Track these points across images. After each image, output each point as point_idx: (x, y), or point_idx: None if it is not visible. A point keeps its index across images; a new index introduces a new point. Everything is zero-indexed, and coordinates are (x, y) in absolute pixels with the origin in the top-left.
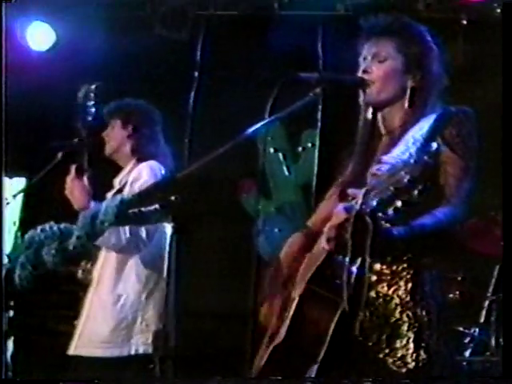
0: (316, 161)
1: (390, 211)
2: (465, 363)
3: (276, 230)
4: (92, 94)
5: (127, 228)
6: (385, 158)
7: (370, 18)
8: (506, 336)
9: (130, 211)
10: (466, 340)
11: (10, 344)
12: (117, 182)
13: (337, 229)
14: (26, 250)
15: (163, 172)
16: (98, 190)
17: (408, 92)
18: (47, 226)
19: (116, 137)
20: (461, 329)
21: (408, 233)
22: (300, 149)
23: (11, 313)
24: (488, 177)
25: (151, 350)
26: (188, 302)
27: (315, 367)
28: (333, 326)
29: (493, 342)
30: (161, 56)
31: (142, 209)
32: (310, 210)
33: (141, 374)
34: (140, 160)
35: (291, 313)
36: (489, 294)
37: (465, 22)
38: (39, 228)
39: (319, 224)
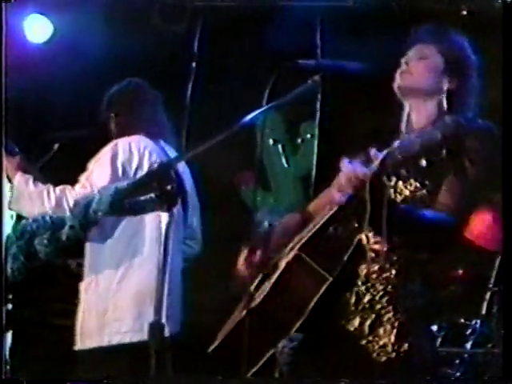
0: (315, 151)
1: (404, 172)
2: (466, 355)
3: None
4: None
5: (53, 197)
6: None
7: (420, 26)
8: (506, 336)
9: (125, 201)
10: (468, 332)
11: (9, 338)
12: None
13: (354, 186)
14: (17, 240)
15: (145, 145)
16: None
17: (444, 92)
18: (39, 216)
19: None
20: (462, 321)
21: (409, 212)
22: (299, 140)
23: (9, 306)
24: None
25: (128, 340)
26: (186, 294)
27: (287, 339)
28: (315, 299)
29: (494, 333)
30: (158, 47)
31: (138, 198)
32: (309, 200)
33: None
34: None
35: (273, 279)
36: (490, 286)
37: (465, 13)
38: (31, 218)
39: (319, 210)
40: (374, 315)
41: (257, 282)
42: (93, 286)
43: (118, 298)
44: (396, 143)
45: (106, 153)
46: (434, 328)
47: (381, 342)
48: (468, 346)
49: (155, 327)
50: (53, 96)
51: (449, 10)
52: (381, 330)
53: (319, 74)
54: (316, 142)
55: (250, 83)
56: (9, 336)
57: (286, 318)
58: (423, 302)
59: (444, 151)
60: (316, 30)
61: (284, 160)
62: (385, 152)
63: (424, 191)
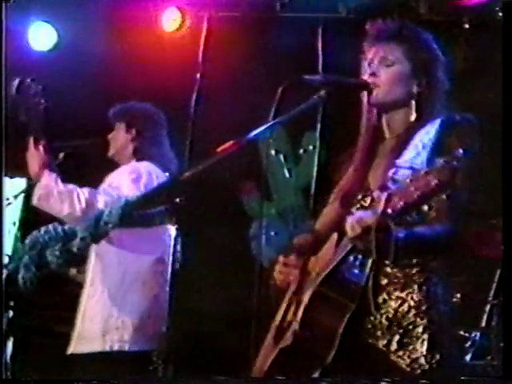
0: (315, 163)
1: (416, 216)
2: (466, 367)
3: (272, 233)
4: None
5: (83, 198)
6: (398, 161)
7: (377, 22)
8: (505, 336)
9: (135, 213)
10: (467, 344)
11: (9, 344)
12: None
13: (362, 231)
14: (29, 251)
15: (157, 174)
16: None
17: (414, 97)
18: (51, 227)
19: (120, 139)
20: (462, 333)
21: (409, 237)
22: (301, 151)
23: (11, 313)
24: (488, 185)
25: (127, 348)
26: (189, 303)
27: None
28: (341, 328)
29: (494, 346)
30: (163, 57)
31: (147, 211)
32: (310, 212)
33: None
34: (139, 160)
35: (299, 315)
36: (490, 298)
37: (467, 26)
38: (43, 229)
39: (325, 228)
40: (401, 330)
41: (283, 310)
42: (98, 293)
43: (123, 307)
44: (391, 185)
45: (129, 172)
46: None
47: (413, 356)
48: (468, 358)
49: (162, 337)
50: (57, 104)
51: (450, 22)
52: (411, 345)
53: (324, 89)
54: (317, 153)
55: (253, 92)
56: (9, 343)
57: (320, 352)
58: (446, 309)
59: (444, 196)
60: (317, 41)
61: (286, 170)
62: (385, 195)
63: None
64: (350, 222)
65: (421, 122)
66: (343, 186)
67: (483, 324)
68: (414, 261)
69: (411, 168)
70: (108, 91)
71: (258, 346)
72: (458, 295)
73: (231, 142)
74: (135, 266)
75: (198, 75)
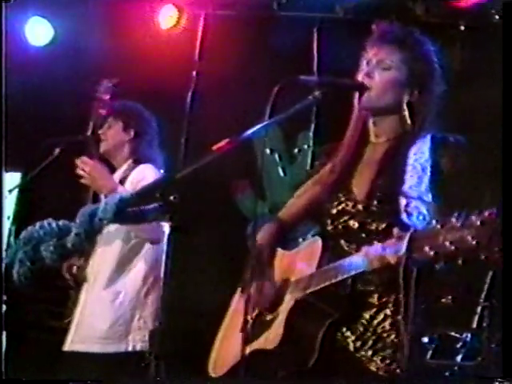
0: (309, 162)
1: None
2: (456, 368)
3: None
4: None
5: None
6: (405, 189)
7: (384, 23)
8: (505, 336)
9: (129, 209)
10: (458, 345)
11: (3, 339)
12: None
13: (382, 267)
14: (24, 246)
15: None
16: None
17: (404, 105)
18: (46, 223)
19: (115, 138)
20: (453, 334)
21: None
22: (296, 150)
23: (4, 308)
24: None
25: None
26: (183, 301)
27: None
28: (321, 335)
29: (484, 347)
30: (159, 54)
31: (141, 207)
32: None
33: (137, 371)
34: (136, 162)
35: (283, 319)
36: (481, 300)
37: (462, 28)
38: (38, 225)
39: (290, 218)
40: (375, 337)
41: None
42: (120, 298)
43: (145, 308)
44: (407, 218)
45: (136, 174)
46: (425, 340)
47: (387, 361)
48: (458, 358)
49: (155, 334)
50: (53, 99)
51: (447, 24)
52: (384, 351)
53: (320, 89)
54: (310, 152)
55: (249, 91)
56: (3, 337)
57: (300, 356)
58: (423, 314)
59: (482, 256)
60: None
61: (280, 169)
62: (408, 235)
63: None
64: (370, 255)
65: (410, 134)
66: (320, 178)
67: (474, 325)
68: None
69: (420, 198)
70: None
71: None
72: (450, 297)
73: (226, 141)
74: (154, 265)
75: (194, 73)
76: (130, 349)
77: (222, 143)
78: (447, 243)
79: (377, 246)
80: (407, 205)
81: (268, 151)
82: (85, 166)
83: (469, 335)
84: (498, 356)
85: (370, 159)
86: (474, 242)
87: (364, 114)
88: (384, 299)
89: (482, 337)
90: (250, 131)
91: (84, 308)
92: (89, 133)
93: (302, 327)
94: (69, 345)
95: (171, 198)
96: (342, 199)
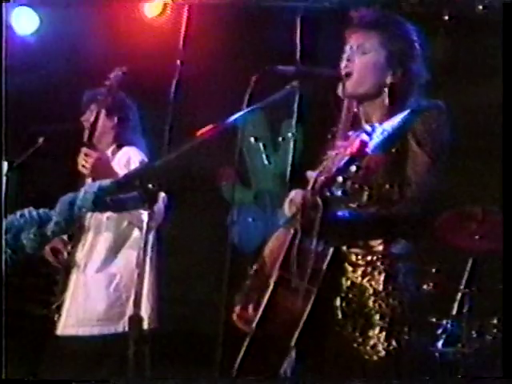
0: (291, 151)
1: (338, 192)
2: (437, 354)
3: (250, 219)
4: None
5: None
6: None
7: (360, 10)
8: (505, 336)
9: (108, 198)
10: (439, 331)
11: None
12: None
13: (297, 211)
14: (5, 234)
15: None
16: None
17: (387, 88)
18: (26, 212)
19: (100, 125)
20: (434, 320)
21: (352, 217)
22: (280, 139)
23: None
24: (464, 171)
25: (145, 327)
26: (165, 287)
27: (291, 357)
28: (306, 313)
29: (464, 334)
30: (143, 42)
31: (120, 196)
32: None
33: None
34: (119, 147)
35: (265, 301)
36: (462, 287)
37: (446, 18)
38: (18, 213)
39: None
40: (363, 318)
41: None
42: (117, 280)
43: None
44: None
45: (122, 155)
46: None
47: (371, 343)
48: (439, 344)
49: (134, 319)
50: (38, 88)
51: (430, 14)
52: (371, 331)
53: (297, 79)
54: (292, 141)
55: (232, 80)
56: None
57: (283, 337)
58: (408, 297)
59: (354, 168)
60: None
61: (265, 157)
62: (316, 173)
63: (389, 187)
64: (286, 202)
65: (392, 113)
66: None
67: (454, 312)
68: (378, 247)
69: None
70: (88, 76)
71: (229, 332)
72: (431, 284)
73: (210, 126)
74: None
75: (179, 61)
76: (127, 329)
77: (206, 129)
78: (333, 167)
79: (292, 192)
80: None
81: (252, 139)
82: (87, 158)
83: (449, 322)
84: (478, 344)
85: None
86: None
87: (352, 102)
88: (367, 277)
89: (462, 323)
90: (233, 117)
91: (76, 292)
92: (92, 119)
93: (283, 306)
94: (61, 329)
95: (150, 186)
96: None
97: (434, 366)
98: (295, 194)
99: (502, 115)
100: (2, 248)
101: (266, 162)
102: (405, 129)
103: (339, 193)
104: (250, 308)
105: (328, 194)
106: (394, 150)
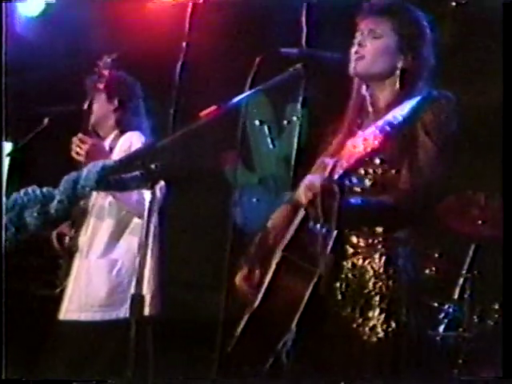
0: (297, 134)
1: (356, 179)
2: (438, 338)
3: (254, 199)
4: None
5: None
6: (360, 132)
7: None
8: (505, 335)
9: (111, 177)
10: (441, 316)
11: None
12: None
13: (313, 196)
14: (8, 212)
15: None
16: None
17: (398, 72)
18: (30, 190)
19: (100, 110)
20: (435, 304)
21: (364, 204)
22: (285, 122)
23: None
24: (468, 157)
25: (147, 313)
26: (167, 270)
27: (290, 336)
28: (307, 294)
29: (466, 318)
30: (149, 24)
31: (123, 175)
32: (291, 183)
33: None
34: (123, 131)
35: (267, 281)
36: (463, 272)
37: (453, 4)
38: (22, 191)
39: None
40: (363, 299)
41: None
42: (118, 266)
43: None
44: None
45: (124, 141)
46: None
47: (370, 324)
48: (440, 329)
49: (136, 300)
50: (44, 70)
51: (437, 1)
52: (370, 313)
53: (301, 62)
54: (298, 124)
55: (238, 65)
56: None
57: (283, 317)
58: (407, 280)
59: (377, 161)
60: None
61: (269, 141)
62: (333, 161)
63: (392, 172)
64: (302, 186)
65: (400, 98)
66: (326, 156)
67: (456, 297)
68: (379, 230)
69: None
70: (94, 58)
71: (230, 314)
72: (433, 268)
73: (214, 107)
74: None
75: (184, 44)
76: (128, 315)
77: (210, 110)
78: (352, 158)
79: (308, 177)
80: (353, 142)
81: (257, 122)
82: (82, 144)
83: (451, 306)
84: (479, 328)
85: (367, 127)
86: (367, 149)
87: (361, 84)
88: (368, 260)
89: (463, 308)
90: (236, 99)
91: (78, 277)
92: (85, 106)
93: (285, 287)
94: (64, 314)
95: (152, 166)
96: None
97: (434, 349)
98: (312, 179)
99: (503, 105)
100: (3, 242)
101: (270, 146)
102: (415, 117)
103: (358, 182)
104: (257, 273)
105: (348, 183)
106: (402, 138)
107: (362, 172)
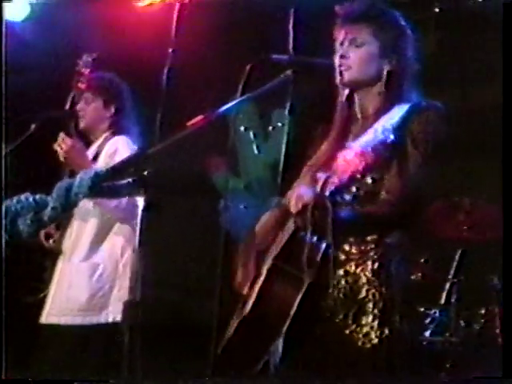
0: (284, 140)
1: (348, 196)
2: (425, 343)
3: (242, 206)
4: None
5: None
6: (352, 144)
7: (346, 4)
8: (505, 335)
9: (104, 184)
10: (427, 320)
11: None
12: (89, 154)
13: (302, 208)
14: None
15: (134, 146)
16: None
17: (384, 75)
18: (23, 197)
19: (95, 114)
20: (422, 309)
21: (352, 217)
22: (270, 128)
23: None
24: (454, 163)
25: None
26: (156, 273)
27: (280, 342)
28: (297, 301)
29: (452, 323)
30: (135, 30)
31: (115, 182)
32: (277, 187)
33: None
34: (113, 134)
35: (257, 287)
36: (450, 277)
37: (437, 10)
38: (15, 199)
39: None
40: (356, 305)
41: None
42: (100, 270)
43: (124, 280)
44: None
45: (111, 145)
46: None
47: (364, 330)
48: (427, 334)
49: (130, 305)
50: (29, 76)
51: (421, 6)
52: (364, 319)
53: (292, 68)
54: (286, 129)
55: (224, 70)
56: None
57: (274, 323)
58: (399, 286)
59: (369, 180)
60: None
61: (255, 147)
62: (325, 175)
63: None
64: (292, 196)
65: (389, 103)
66: (315, 162)
67: (443, 302)
68: (369, 238)
69: (361, 152)
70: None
71: (222, 318)
72: (420, 274)
73: (201, 117)
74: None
75: (171, 50)
76: (110, 320)
77: (197, 119)
78: (346, 174)
79: (299, 188)
80: (346, 154)
81: (242, 128)
82: (62, 144)
83: (437, 311)
84: (465, 333)
85: (356, 133)
86: (362, 166)
87: (347, 91)
88: (360, 267)
89: (450, 313)
90: (223, 108)
91: (61, 280)
92: (67, 107)
93: (275, 294)
94: (45, 317)
95: (145, 172)
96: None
97: (423, 355)
98: (303, 192)
99: (503, 105)
100: (3, 245)
101: (256, 152)
102: (404, 128)
103: (350, 198)
104: (249, 274)
105: (339, 198)
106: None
107: (354, 189)
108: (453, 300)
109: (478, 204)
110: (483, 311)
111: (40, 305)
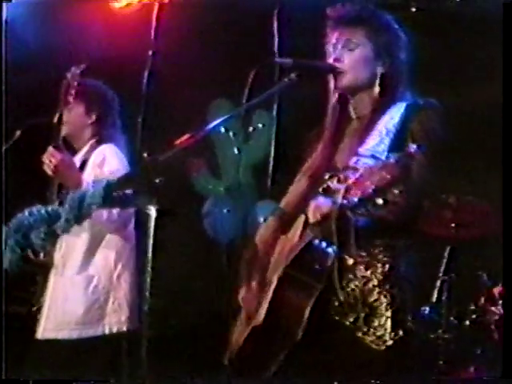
0: (273, 142)
1: (371, 207)
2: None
3: (225, 210)
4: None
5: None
6: (361, 150)
7: (337, 6)
8: (505, 335)
9: (115, 194)
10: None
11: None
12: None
13: (322, 218)
14: (14, 233)
15: (122, 155)
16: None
17: (378, 78)
18: (35, 210)
19: (77, 121)
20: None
21: (370, 224)
22: (251, 129)
23: None
24: (441, 161)
25: (125, 328)
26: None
27: (294, 346)
28: (309, 307)
29: (444, 320)
30: (114, 33)
31: (126, 191)
32: (261, 190)
33: (114, 352)
34: (98, 142)
35: (269, 295)
36: (440, 275)
37: (414, 9)
38: (27, 212)
39: (292, 206)
40: (367, 308)
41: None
42: (94, 282)
43: (118, 291)
44: (351, 174)
45: (98, 154)
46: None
47: (378, 333)
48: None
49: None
50: (13, 82)
51: (398, 6)
52: (376, 322)
53: (295, 72)
54: (274, 130)
55: (206, 73)
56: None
57: (289, 330)
58: (409, 287)
59: (396, 192)
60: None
61: (235, 148)
62: (344, 186)
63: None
64: (311, 207)
65: (384, 104)
66: (311, 165)
67: (434, 299)
68: (377, 241)
69: (373, 156)
70: (59, 67)
71: (226, 325)
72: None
73: (187, 136)
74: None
75: (150, 52)
76: (106, 331)
77: (184, 138)
78: (370, 187)
79: (319, 198)
80: (356, 162)
81: (223, 129)
82: (52, 158)
83: (428, 309)
84: (457, 329)
85: (351, 133)
86: (388, 179)
87: (341, 94)
88: (370, 270)
89: (441, 310)
90: (210, 125)
91: (54, 294)
92: (55, 119)
93: (288, 301)
94: (41, 333)
95: (157, 181)
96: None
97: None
98: (322, 202)
99: (503, 105)
100: (2, 249)
101: (236, 153)
102: (405, 128)
103: (373, 209)
104: (254, 289)
105: (362, 210)
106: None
107: (380, 200)
108: (444, 297)
109: (464, 201)
110: (473, 307)
111: (33, 318)
